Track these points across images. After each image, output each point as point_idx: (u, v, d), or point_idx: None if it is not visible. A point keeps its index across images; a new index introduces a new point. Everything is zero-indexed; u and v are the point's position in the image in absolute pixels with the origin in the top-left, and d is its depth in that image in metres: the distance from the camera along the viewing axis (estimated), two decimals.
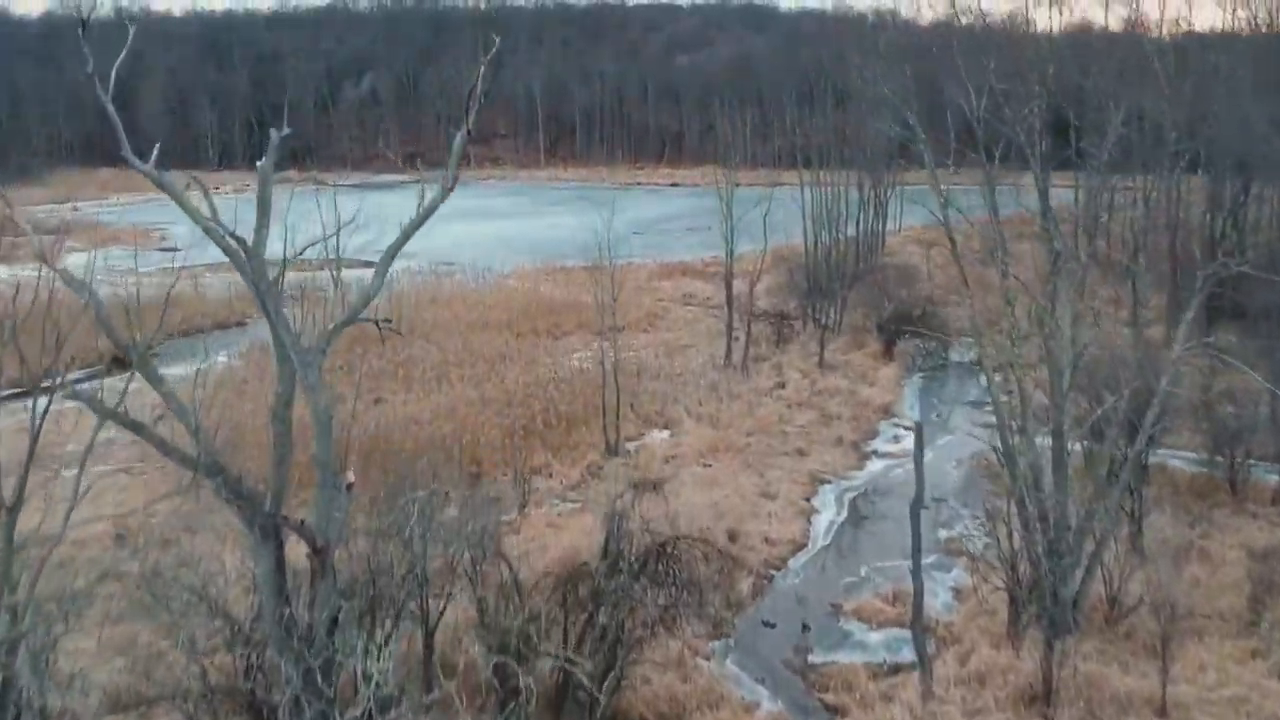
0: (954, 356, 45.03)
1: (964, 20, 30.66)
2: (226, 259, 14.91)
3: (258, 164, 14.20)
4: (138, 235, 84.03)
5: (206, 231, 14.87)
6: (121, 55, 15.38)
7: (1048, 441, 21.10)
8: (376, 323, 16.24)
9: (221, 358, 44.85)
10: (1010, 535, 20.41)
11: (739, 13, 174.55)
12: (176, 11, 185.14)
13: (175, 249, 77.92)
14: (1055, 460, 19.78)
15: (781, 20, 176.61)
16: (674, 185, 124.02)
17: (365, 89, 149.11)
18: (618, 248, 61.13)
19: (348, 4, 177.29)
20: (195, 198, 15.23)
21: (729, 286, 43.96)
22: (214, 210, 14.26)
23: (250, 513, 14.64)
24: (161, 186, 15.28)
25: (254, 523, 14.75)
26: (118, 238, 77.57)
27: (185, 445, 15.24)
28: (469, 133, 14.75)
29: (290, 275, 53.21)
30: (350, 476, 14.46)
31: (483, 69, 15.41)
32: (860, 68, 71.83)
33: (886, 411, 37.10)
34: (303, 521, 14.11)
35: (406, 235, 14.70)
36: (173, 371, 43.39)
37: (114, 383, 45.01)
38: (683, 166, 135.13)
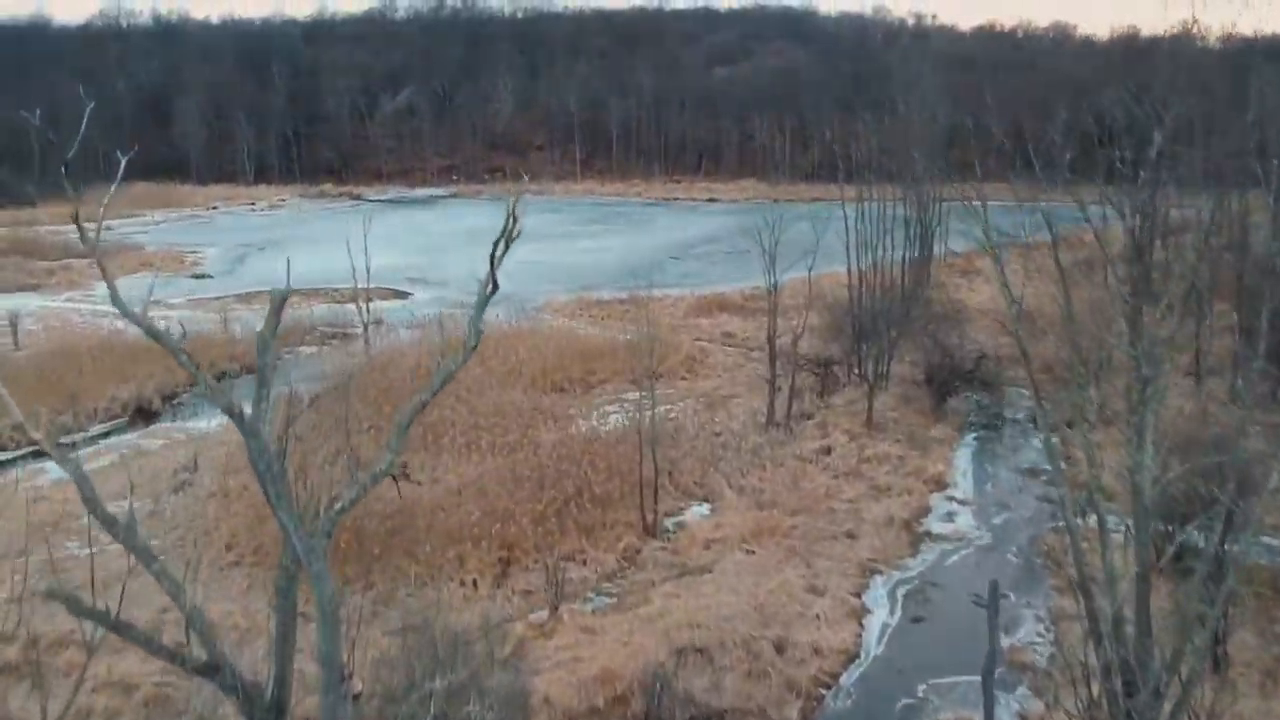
0: (1008, 413, 43.08)
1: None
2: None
3: (258, 331, 12.69)
4: (170, 259, 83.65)
5: (208, 396, 13.78)
6: (110, 193, 14.30)
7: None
8: (393, 476, 14.78)
9: (247, 409, 43.63)
10: (1087, 679, 18.67)
11: (778, 22, 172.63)
12: (214, 18, 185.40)
13: (208, 276, 77.40)
14: (1139, 603, 17.89)
15: (821, 26, 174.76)
16: (711, 200, 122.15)
17: (403, 101, 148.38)
18: (653, 275, 59.13)
19: (386, 16, 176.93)
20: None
21: (772, 342, 42.10)
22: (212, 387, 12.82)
23: (250, 709, 13.23)
24: (157, 339, 14.15)
25: (254, 718, 13.33)
26: (150, 263, 76.70)
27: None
28: (495, 285, 13.20)
29: (320, 309, 50.52)
30: (358, 685, 12.99)
31: (511, 205, 13.92)
32: (904, 87, 69.93)
33: (939, 483, 35.17)
34: None
35: (423, 403, 13.19)
36: (199, 425, 42.47)
37: (134, 440, 42.99)
38: (720, 179, 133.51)
